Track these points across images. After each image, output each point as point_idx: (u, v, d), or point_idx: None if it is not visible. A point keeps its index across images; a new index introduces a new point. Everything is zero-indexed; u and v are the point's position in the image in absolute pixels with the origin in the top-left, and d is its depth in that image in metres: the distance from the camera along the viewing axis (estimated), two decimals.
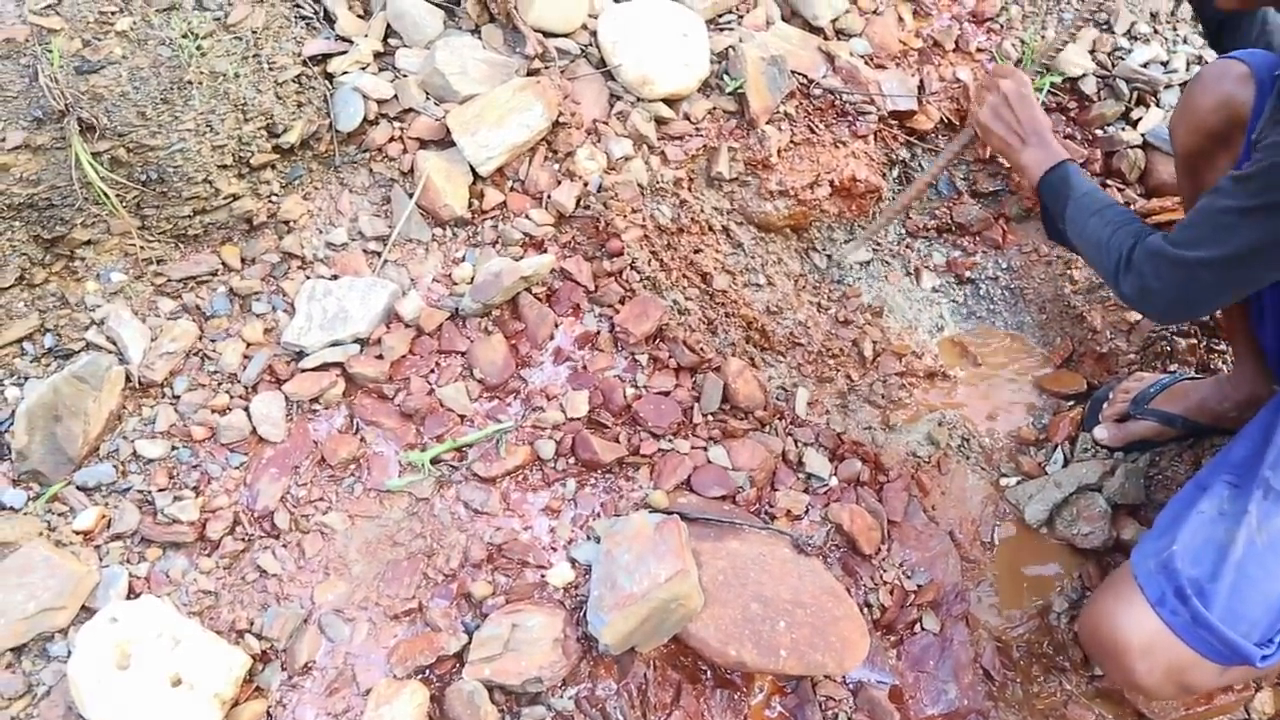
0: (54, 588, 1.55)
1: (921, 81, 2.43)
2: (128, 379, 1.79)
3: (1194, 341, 2.11)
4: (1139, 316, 2.15)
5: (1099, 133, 2.39)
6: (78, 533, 1.65)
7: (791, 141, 2.24)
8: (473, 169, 2.01)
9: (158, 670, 1.47)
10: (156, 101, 1.82)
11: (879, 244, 2.37)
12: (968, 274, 2.37)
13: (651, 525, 1.62)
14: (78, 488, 1.69)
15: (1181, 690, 1.49)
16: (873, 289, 2.33)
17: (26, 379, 1.78)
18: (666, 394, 1.86)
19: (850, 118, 2.33)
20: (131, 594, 1.61)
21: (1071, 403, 2.14)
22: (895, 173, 2.42)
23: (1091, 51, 2.47)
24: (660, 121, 2.16)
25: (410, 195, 1.99)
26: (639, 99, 2.15)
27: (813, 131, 2.28)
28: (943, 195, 2.46)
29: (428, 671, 1.57)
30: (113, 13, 1.81)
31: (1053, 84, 2.38)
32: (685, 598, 1.56)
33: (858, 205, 2.32)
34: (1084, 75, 2.42)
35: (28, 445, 1.69)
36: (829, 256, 2.28)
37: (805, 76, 2.30)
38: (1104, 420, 2.01)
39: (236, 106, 1.89)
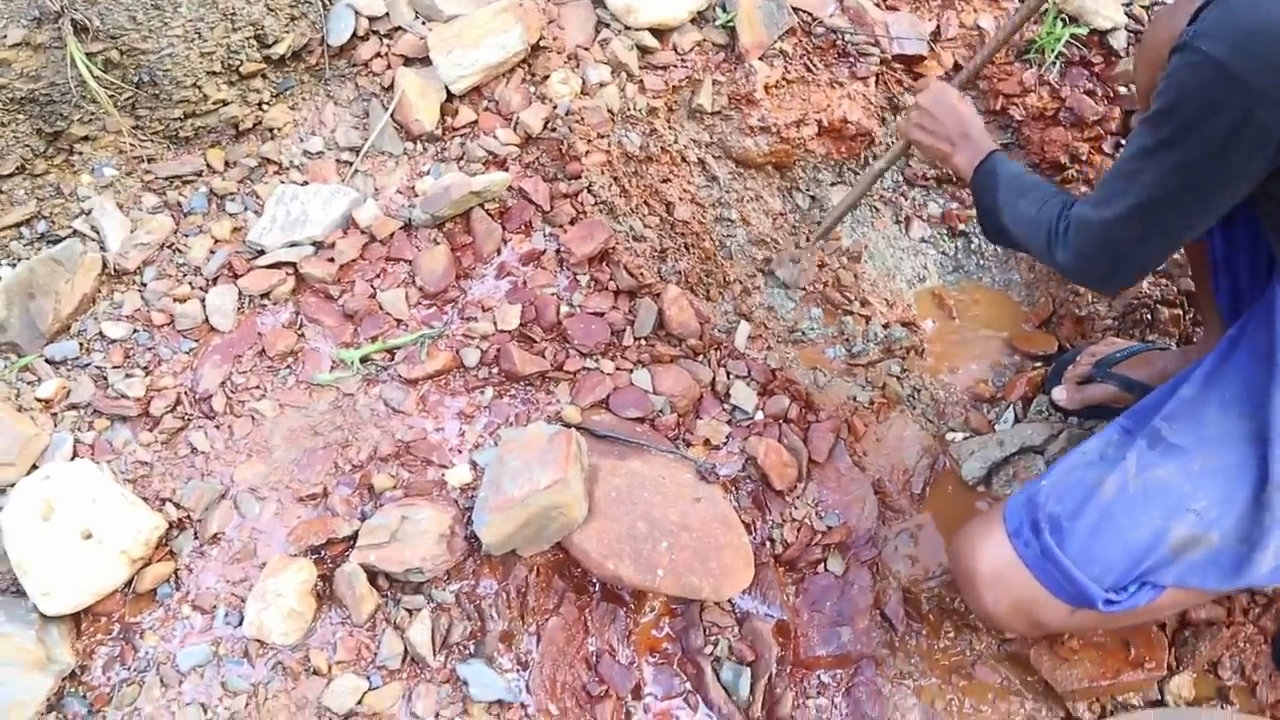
0: (4, 445, 1.70)
1: (939, 26, 2.34)
2: (104, 266, 1.93)
3: (1178, 312, 1.99)
4: None
5: (1121, 90, 2.26)
6: (39, 400, 1.80)
7: (784, 79, 2.21)
8: (446, 87, 2.07)
9: (73, 524, 1.61)
10: (147, 7, 1.94)
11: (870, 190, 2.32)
12: (962, 227, 2.29)
13: (546, 435, 1.66)
14: (47, 360, 1.85)
15: (1032, 626, 1.46)
16: (856, 233, 2.28)
17: (19, 260, 1.94)
18: (600, 315, 1.88)
19: (851, 59, 2.27)
20: (75, 458, 1.75)
21: (1038, 363, 2.05)
22: (897, 120, 2.35)
23: (1127, 3, 2.33)
24: (645, 50, 2.16)
25: (386, 109, 2.06)
26: (626, 26, 2.16)
27: (809, 70, 2.24)
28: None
29: (321, 552, 1.66)
30: None
31: (1074, 35, 2.26)
32: (565, 507, 1.59)
33: (847, 147, 2.27)
34: (1114, 29, 2.28)
35: (6, 318, 1.85)
36: (771, 273, 2.21)
37: (810, 14, 2.26)
38: (1065, 382, 1.93)
39: (225, 16, 2.00)
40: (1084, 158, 2.21)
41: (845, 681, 1.71)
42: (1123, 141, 2.22)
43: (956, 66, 2.33)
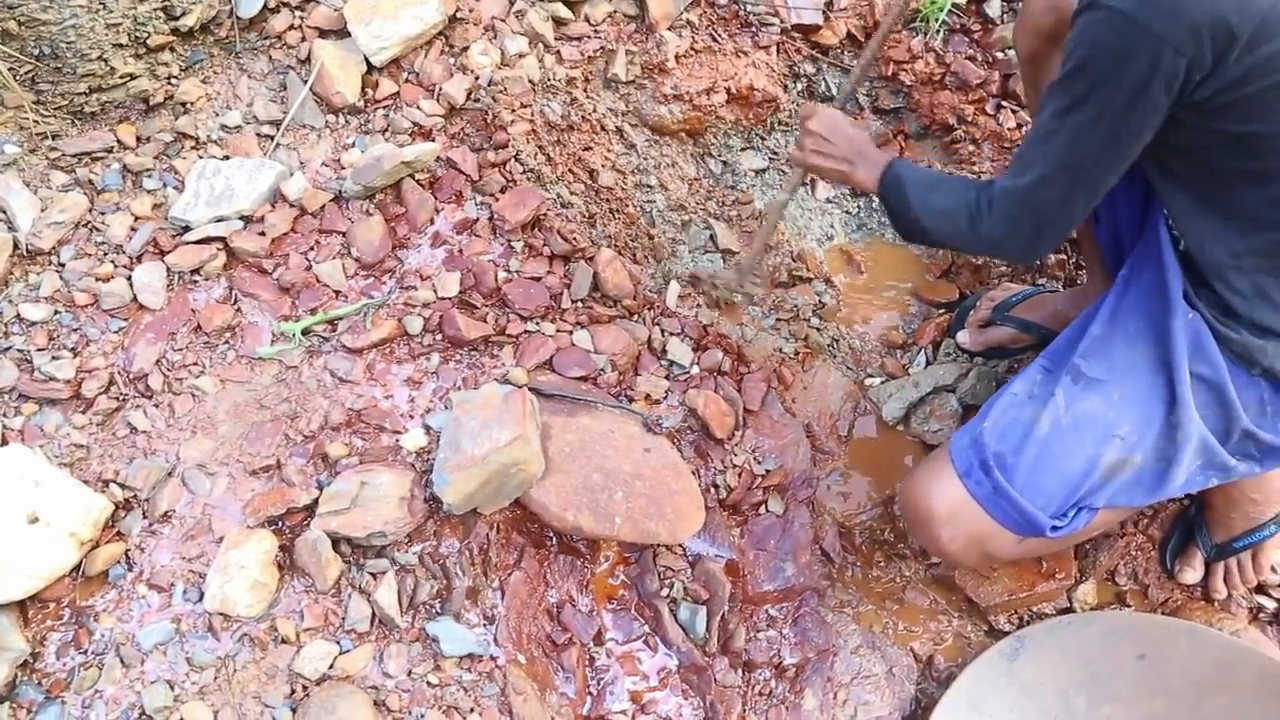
0: None
1: None
2: (15, 246, 1.86)
3: (1063, 257, 2.18)
4: None
5: (999, 55, 2.43)
6: None
7: (692, 48, 2.29)
8: (366, 59, 2.06)
9: (16, 508, 1.56)
10: None
11: (776, 154, 2.43)
12: None
13: (500, 395, 1.70)
14: None
15: (983, 558, 1.59)
16: (765, 196, 2.39)
17: None
18: (538, 279, 1.93)
19: (753, 28, 2.37)
20: (4, 444, 1.69)
21: (942, 310, 2.21)
22: (799, 86, 2.47)
23: None
24: (559, 22, 2.21)
25: (305, 82, 2.05)
26: None
27: (714, 40, 2.33)
28: (847, 111, 2.51)
29: (280, 523, 1.66)
30: None
31: (955, 4, 2.42)
32: (525, 463, 1.64)
33: (754, 114, 2.37)
34: None
35: None
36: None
37: None
38: (968, 326, 2.09)
39: None
40: (970, 119, 2.38)
41: (791, 613, 1.83)
42: (1003, 103, 2.40)
43: (850, 36, 2.46)
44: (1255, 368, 1.46)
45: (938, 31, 2.43)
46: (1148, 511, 1.98)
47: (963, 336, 2.08)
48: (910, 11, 2.45)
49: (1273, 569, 1.92)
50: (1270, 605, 1.92)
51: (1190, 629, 1.82)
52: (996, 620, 1.87)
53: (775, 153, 2.43)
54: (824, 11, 2.44)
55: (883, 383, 2.08)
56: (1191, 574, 1.91)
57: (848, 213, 2.43)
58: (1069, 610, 1.89)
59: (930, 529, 1.57)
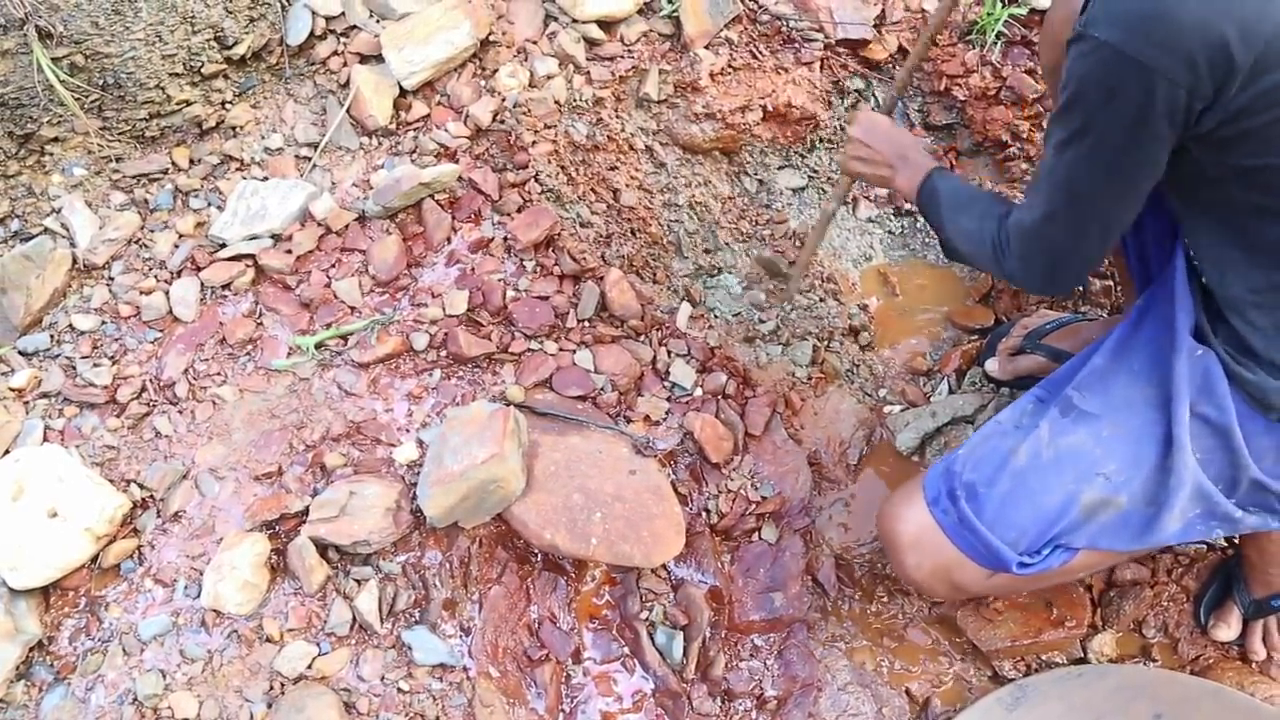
0: None
1: (883, 10, 2.40)
2: (74, 261, 2.03)
3: (1109, 283, 2.05)
4: None
5: None
6: (12, 389, 1.90)
7: (730, 66, 2.27)
8: (399, 83, 2.15)
9: (41, 503, 1.71)
10: (108, 12, 2.02)
11: (816, 172, 2.38)
12: (907, 206, 2.35)
13: (486, 413, 1.74)
14: (19, 352, 1.94)
15: (953, 589, 1.52)
16: (802, 215, 2.34)
17: None
18: (545, 299, 1.96)
19: (796, 44, 2.33)
20: (46, 443, 1.85)
21: (975, 336, 2.12)
22: (847, 103, 2.41)
23: None
24: (591, 43, 2.23)
25: (342, 106, 2.15)
26: (573, 19, 2.23)
27: (755, 57, 2.31)
28: (895, 118, 2.43)
29: (275, 527, 1.75)
30: None
31: (1013, 15, 2.31)
32: (503, 480, 1.67)
33: (792, 131, 2.33)
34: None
35: None
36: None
37: (755, 1, 2.32)
38: (998, 353, 1.99)
39: (185, 19, 2.08)
40: (1025, 135, 2.27)
41: (778, 644, 1.79)
42: None
43: (901, 49, 2.39)
44: (1273, 412, 1.34)
45: (994, 43, 2.32)
46: (1183, 559, 1.84)
47: (991, 364, 1.98)
48: (966, 23, 2.36)
49: None
50: None
51: (1216, 691, 1.69)
52: (1001, 666, 1.78)
53: (815, 171, 2.38)
54: (875, 26, 2.37)
55: (901, 410, 2.01)
56: (1226, 631, 1.76)
57: (890, 233, 2.35)
58: (1083, 661, 1.78)
59: (897, 553, 1.53)
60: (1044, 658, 1.78)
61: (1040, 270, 1.42)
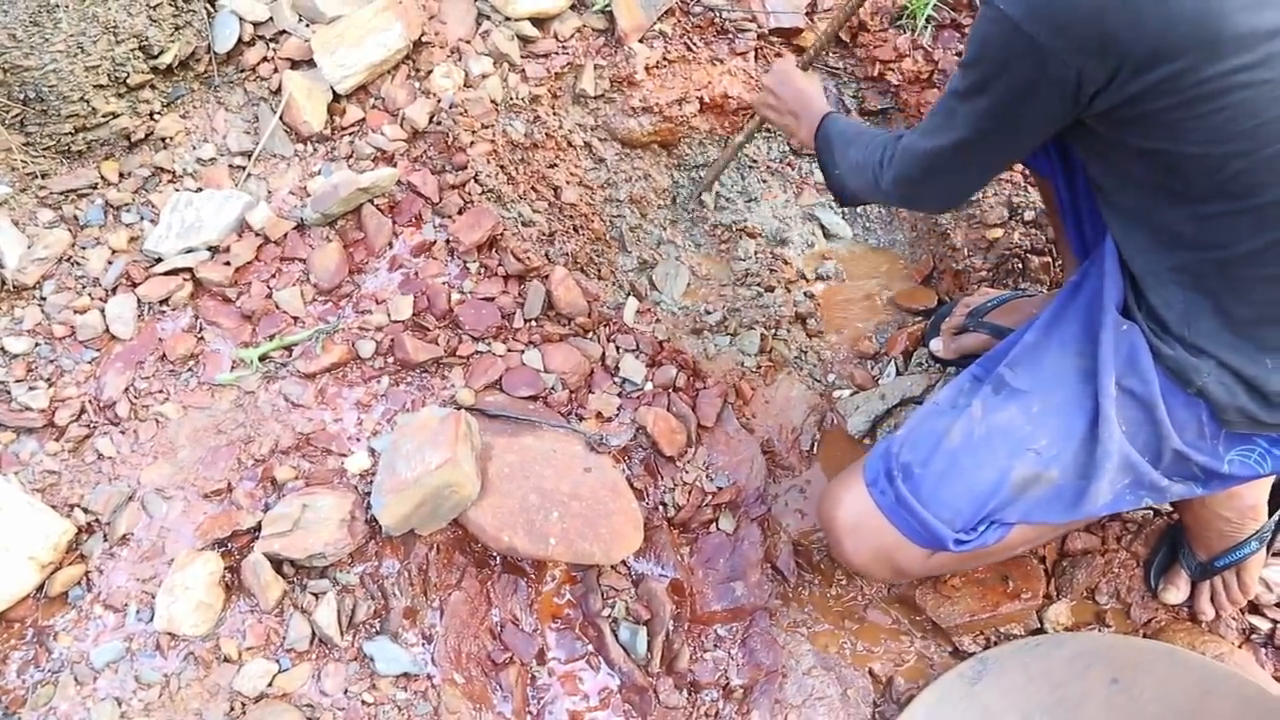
0: None
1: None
2: (2, 283, 1.97)
3: (1047, 260, 2.08)
4: (997, 234, 2.13)
5: None
6: None
7: (664, 59, 2.28)
8: (332, 88, 2.11)
9: None
10: (26, 24, 1.97)
11: (755, 161, 2.39)
12: None
13: (437, 418, 1.72)
14: None
15: (894, 572, 1.54)
16: (745, 209, 2.35)
17: None
18: (491, 300, 1.95)
19: (730, 35, 2.34)
20: None
21: (919, 318, 2.14)
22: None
23: None
24: (525, 40, 2.22)
25: (275, 113, 2.11)
26: (506, 18, 2.22)
27: (689, 49, 2.31)
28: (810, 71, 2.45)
29: (228, 544, 1.72)
30: None
31: (940, 1, 2.34)
32: (457, 485, 1.66)
33: (730, 121, 2.34)
34: None
35: None
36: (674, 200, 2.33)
37: None
38: (942, 333, 2.02)
39: (107, 29, 2.03)
40: None
41: (741, 633, 1.80)
42: None
43: (838, 40, 2.40)
44: (1190, 387, 1.37)
45: (925, 27, 2.35)
46: (1131, 525, 1.88)
47: (936, 344, 2.01)
48: (897, 8, 2.38)
49: (1267, 588, 1.81)
50: (1265, 626, 1.80)
51: (1169, 652, 1.72)
52: (961, 641, 1.80)
53: (754, 161, 2.39)
54: (807, 14, 2.39)
55: (851, 394, 2.03)
56: (1175, 593, 1.80)
57: (835, 217, 2.37)
58: (1040, 631, 1.81)
59: (836, 537, 1.54)
60: (1003, 630, 1.80)
61: (916, 191, 1.52)
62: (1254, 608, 1.81)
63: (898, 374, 2.04)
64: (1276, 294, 1.27)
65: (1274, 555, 1.81)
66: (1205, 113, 1.14)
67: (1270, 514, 1.70)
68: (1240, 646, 1.79)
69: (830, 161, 1.68)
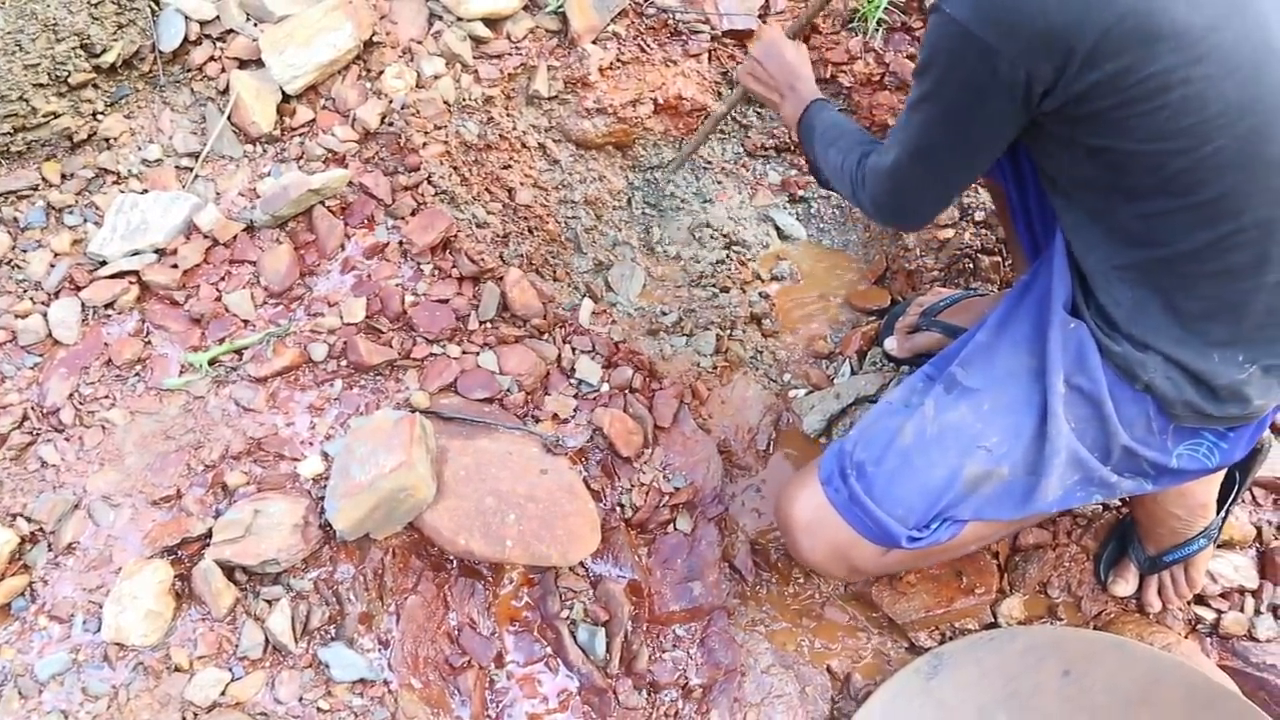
0: None
1: (768, 0, 2.43)
2: None
3: (998, 259, 2.11)
4: (948, 234, 2.16)
5: None
6: None
7: (618, 60, 2.27)
8: (281, 88, 2.09)
9: None
10: None
11: (710, 163, 2.40)
12: (800, 193, 2.39)
13: (392, 421, 1.70)
14: None
15: (849, 570, 1.55)
16: (694, 207, 2.36)
17: None
18: (445, 302, 1.93)
19: (683, 37, 2.35)
20: None
21: (873, 317, 2.16)
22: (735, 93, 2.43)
23: None
24: (478, 41, 2.20)
25: (223, 113, 2.08)
26: (458, 18, 2.20)
27: (643, 50, 2.31)
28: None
29: (178, 552, 1.68)
30: None
31: (893, 2, 2.36)
32: (412, 488, 1.64)
33: (684, 123, 2.35)
34: None
35: None
36: (646, 178, 2.33)
37: None
38: (895, 332, 2.04)
39: (46, 27, 1.98)
40: None
41: (699, 633, 1.80)
42: None
43: None
44: (1138, 382, 1.39)
45: (876, 30, 2.38)
46: (1081, 520, 1.91)
47: (890, 343, 2.03)
48: (849, 11, 2.40)
49: (1212, 579, 1.85)
50: (1209, 617, 1.84)
51: (1118, 644, 1.75)
52: (917, 637, 1.82)
53: (709, 162, 2.40)
54: (760, 16, 2.40)
55: (806, 394, 2.04)
56: (1124, 586, 1.84)
57: (789, 218, 2.38)
58: (994, 625, 1.83)
59: (792, 535, 1.55)
60: (957, 625, 1.83)
61: (890, 210, 1.52)
62: (1199, 599, 1.85)
63: (852, 373, 2.06)
64: (1220, 290, 1.29)
65: (1219, 548, 1.85)
66: (1148, 110, 1.16)
67: (1218, 511, 1.73)
68: (1186, 636, 1.82)
69: (811, 153, 1.70)
